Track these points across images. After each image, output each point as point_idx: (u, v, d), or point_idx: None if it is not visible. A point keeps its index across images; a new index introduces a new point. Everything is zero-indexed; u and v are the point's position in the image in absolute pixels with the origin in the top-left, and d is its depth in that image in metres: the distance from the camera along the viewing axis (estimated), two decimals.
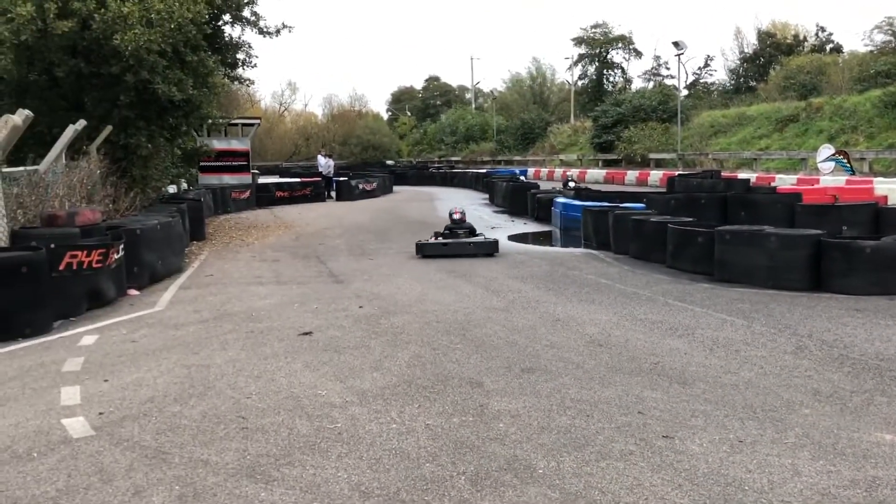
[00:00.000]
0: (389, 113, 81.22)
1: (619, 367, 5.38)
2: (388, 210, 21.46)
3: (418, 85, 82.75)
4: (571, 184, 21.62)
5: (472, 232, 12.11)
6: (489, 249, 11.47)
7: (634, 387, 4.88)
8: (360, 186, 26.93)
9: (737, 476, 3.51)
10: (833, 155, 23.40)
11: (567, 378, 5.09)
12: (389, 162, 54.85)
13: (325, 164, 28.33)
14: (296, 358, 5.73)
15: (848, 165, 22.98)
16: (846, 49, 44.54)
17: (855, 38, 62.47)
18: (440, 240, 11.76)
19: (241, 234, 15.77)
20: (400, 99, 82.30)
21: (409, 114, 76.61)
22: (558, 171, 38.69)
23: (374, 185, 27.89)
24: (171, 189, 18.81)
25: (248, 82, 19.12)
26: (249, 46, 16.16)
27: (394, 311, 7.46)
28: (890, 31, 37.66)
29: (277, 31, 15.73)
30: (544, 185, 24.07)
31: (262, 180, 28.07)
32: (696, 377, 5.09)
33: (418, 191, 30.37)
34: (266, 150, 55.42)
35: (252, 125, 27.92)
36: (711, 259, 9.16)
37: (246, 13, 15.31)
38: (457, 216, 12.33)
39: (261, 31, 15.57)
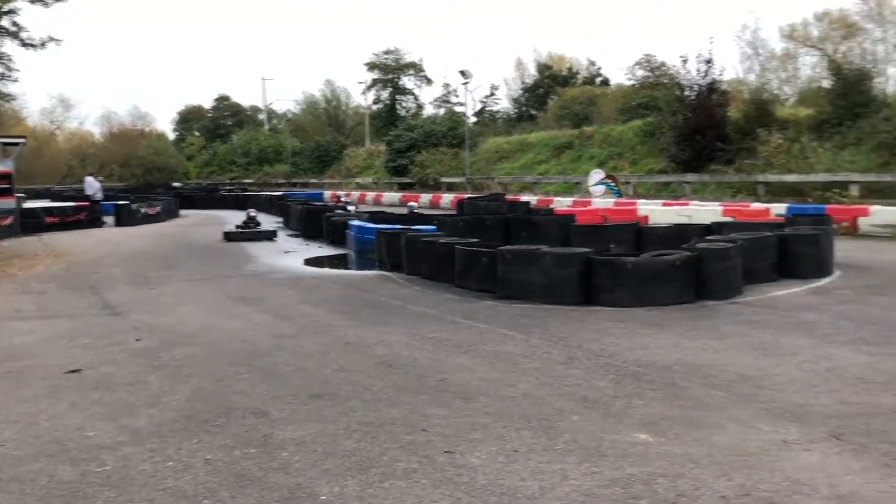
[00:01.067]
0: (176, 133, 77.47)
1: (407, 386, 5.49)
2: (174, 236, 20.40)
3: (207, 104, 79.70)
4: (352, 208, 21.90)
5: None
6: (269, 236, 18.09)
7: (420, 405, 5.01)
8: (143, 210, 25.37)
9: (512, 485, 3.71)
10: (603, 179, 25.56)
11: (355, 401, 5.11)
12: (176, 184, 52.25)
13: (92, 185, 26.44)
14: (61, 398, 5.27)
15: (616, 188, 25.21)
16: (613, 82, 48.94)
17: (620, 73, 68.97)
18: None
19: (2, 264, 14.27)
20: (188, 118, 78.72)
21: (197, 134, 73.52)
22: (355, 194, 38.94)
23: (158, 208, 26.40)
24: None
25: (8, 97, 17.36)
26: (9, 59, 14.79)
27: (175, 343, 7.09)
28: (648, 68, 41.92)
29: (43, 44, 14.59)
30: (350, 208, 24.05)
31: (29, 204, 25.58)
32: (479, 391, 5.32)
33: (208, 215, 29.17)
34: (34, 172, 50.71)
35: (16, 144, 25.34)
36: (495, 277, 9.63)
37: (5, 23, 14.00)
38: (252, 213, 18.45)
39: (23, 44, 14.32)
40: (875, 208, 16.60)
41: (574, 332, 7.33)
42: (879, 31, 30.79)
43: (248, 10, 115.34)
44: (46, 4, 14.28)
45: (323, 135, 58.29)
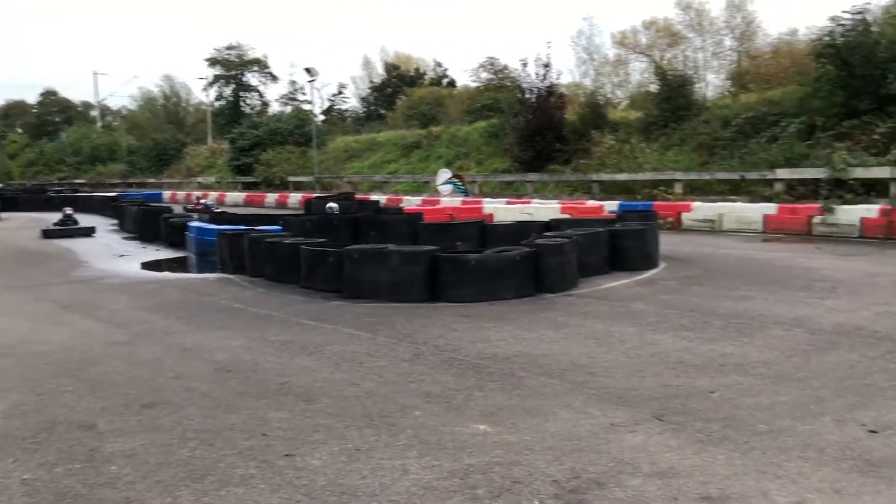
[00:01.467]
0: None
1: (247, 391, 5.36)
2: None
3: (32, 99, 73.97)
4: (211, 204, 21.16)
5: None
6: (87, 232, 18.41)
7: (260, 409, 4.90)
8: None
9: (352, 484, 3.71)
10: (450, 178, 26.03)
11: (192, 409, 4.93)
12: None
13: None
14: None
15: (463, 187, 25.76)
16: (459, 83, 49.98)
17: (465, 75, 70.88)
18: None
19: None
20: (8, 114, 72.69)
21: (20, 131, 67.98)
22: (197, 194, 37.45)
23: None
24: None
25: None
26: None
27: None
28: (492, 70, 43.13)
29: None
30: (181, 209, 23.06)
31: None
32: (322, 392, 5.28)
33: (33, 217, 26.94)
34: None
35: None
36: (342, 277, 9.57)
37: None
38: (69, 211, 19.52)
39: None
40: (696, 204, 17.98)
41: (420, 328, 7.43)
42: (699, 40, 33.37)
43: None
44: None
45: (161, 132, 55.64)
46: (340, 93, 56.59)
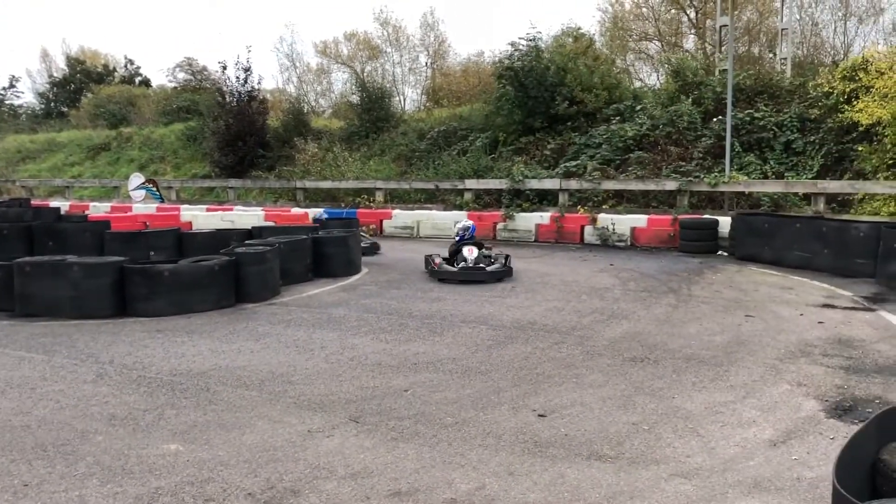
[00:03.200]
0: None
1: None
2: None
3: None
4: None
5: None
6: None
7: None
8: None
9: None
10: (144, 183, 24.36)
11: None
12: None
13: None
14: None
15: (157, 193, 24.23)
16: (154, 83, 46.98)
17: (160, 74, 66.53)
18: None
19: None
20: None
21: None
22: None
23: None
24: None
25: None
26: None
27: None
28: (190, 71, 41.22)
29: None
30: None
31: None
32: None
33: None
34: None
35: None
36: (12, 294, 8.51)
37: None
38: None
39: None
40: (396, 212, 18.83)
41: (105, 346, 6.85)
42: (397, 55, 34.96)
43: None
44: None
45: None
46: (13, 86, 50.16)
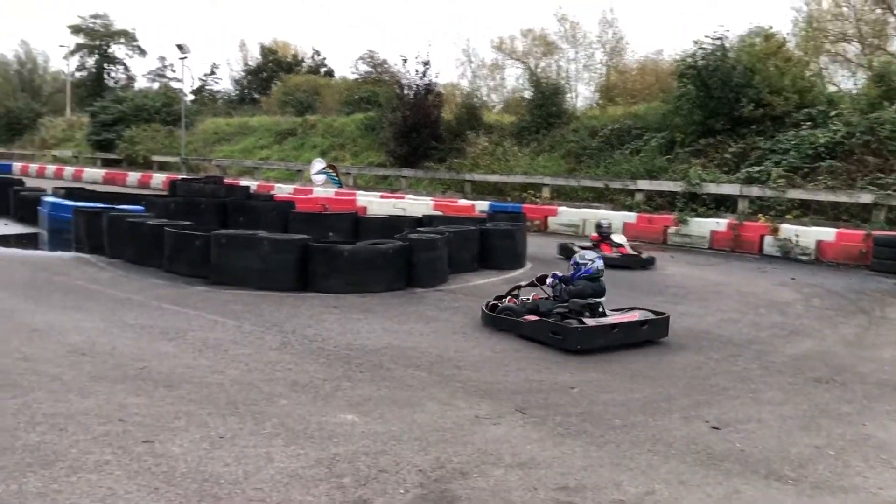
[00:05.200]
0: None
1: (103, 375, 5.10)
2: None
3: None
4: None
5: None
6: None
7: (118, 394, 4.68)
8: None
9: (214, 471, 3.62)
10: (324, 168, 25.69)
11: (40, 392, 4.64)
12: None
13: None
14: None
15: (337, 178, 25.48)
16: (337, 74, 49.39)
17: (344, 66, 69.91)
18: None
19: None
20: None
21: None
22: (51, 168, 35.07)
23: None
24: None
25: None
26: None
27: None
28: (371, 63, 42.96)
29: None
30: (34, 183, 21.47)
31: None
32: (183, 379, 5.10)
33: None
34: None
35: None
36: (208, 262, 9.26)
37: None
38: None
39: None
40: (562, 209, 18.68)
41: (288, 317, 7.31)
42: (573, 51, 34.59)
43: None
44: None
45: (14, 100, 51.49)
46: (213, 73, 54.52)
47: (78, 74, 54.73)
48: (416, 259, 9.37)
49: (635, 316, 6.97)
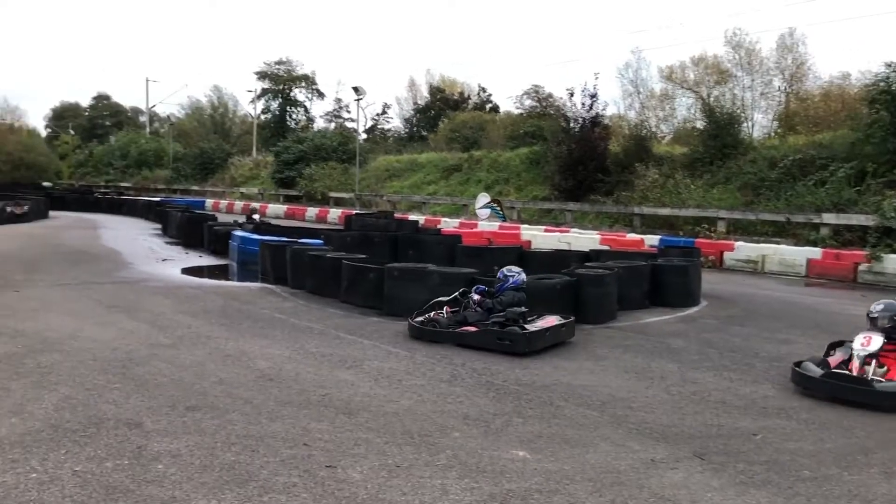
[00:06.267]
0: (49, 130, 73.31)
1: (289, 400, 5.42)
2: (42, 237, 19.24)
3: (85, 102, 76.02)
4: (256, 217, 20.85)
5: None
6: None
7: (302, 419, 4.95)
8: (9, 209, 23.83)
9: (393, 499, 3.73)
10: (489, 203, 26.10)
11: (234, 414, 5.00)
12: (47, 184, 49.30)
13: None
14: None
15: (501, 212, 25.80)
16: (502, 109, 50.19)
17: (509, 101, 70.94)
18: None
19: None
20: (62, 115, 74.76)
21: (72, 133, 69.88)
22: (238, 204, 38.00)
23: (26, 208, 24.88)
24: None
25: None
26: None
27: (42, 350, 6.69)
28: (536, 98, 43.28)
29: None
30: (224, 218, 23.40)
31: None
32: (361, 407, 5.31)
33: (80, 217, 27.70)
34: None
35: None
36: (381, 294, 9.63)
37: None
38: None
39: None
40: (739, 244, 17.76)
41: (458, 350, 7.42)
42: (748, 79, 33.11)
43: (134, 6, 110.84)
44: None
45: (207, 141, 56.53)
46: (384, 112, 57.20)
47: (263, 117, 59.22)
48: (584, 295, 9.25)
49: (553, 321, 7.82)
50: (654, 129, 34.39)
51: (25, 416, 4.76)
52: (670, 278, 11.01)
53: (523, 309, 7.77)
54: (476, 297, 8.01)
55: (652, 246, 16.37)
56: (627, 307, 10.11)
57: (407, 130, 54.02)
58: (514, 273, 8.14)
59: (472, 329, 7.57)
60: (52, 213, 27.64)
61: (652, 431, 5.07)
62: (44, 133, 71.19)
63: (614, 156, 26.92)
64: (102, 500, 3.53)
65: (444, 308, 8.11)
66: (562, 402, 5.68)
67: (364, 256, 11.17)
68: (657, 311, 10.36)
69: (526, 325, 7.50)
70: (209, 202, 38.69)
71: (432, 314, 8.05)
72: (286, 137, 48.02)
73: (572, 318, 8.05)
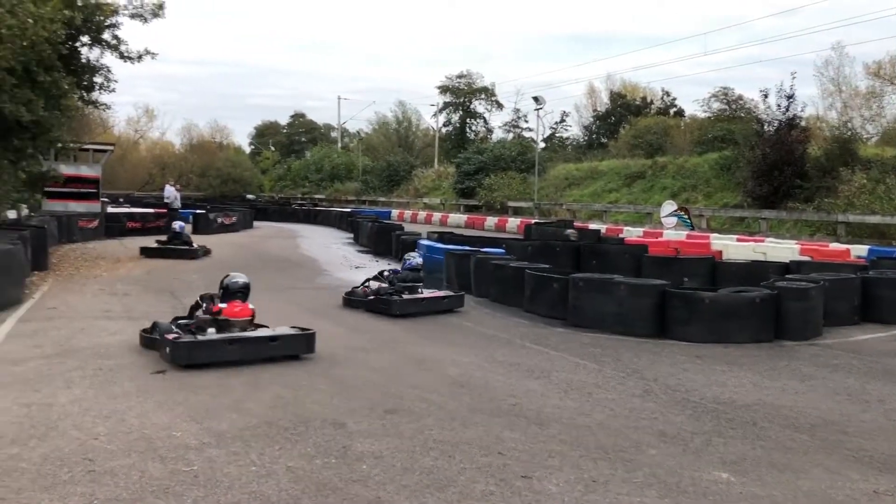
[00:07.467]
0: (252, 147, 79.79)
1: (480, 407, 5.50)
2: (249, 246, 20.92)
3: (283, 120, 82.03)
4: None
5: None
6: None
7: (495, 427, 5.01)
8: (219, 220, 26.11)
9: None
10: (675, 211, 25.16)
11: (430, 419, 5.15)
12: (250, 196, 53.61)
13: (171, 194, 27.02)
14: (148, 397, 5.46)
15: (688, 221, 24.78)
16: (687, 113, 48.30)
17: (695, 105, 68.03)
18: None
19: (88, 265, 14.87)
20: (264, 133, 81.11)
21: (272, 149, 75.56)
22: (422, 214, 39.26)
23: (234, 219, 27.14)
24: (11, 215, 17.46)
25: (104, 107, 18.12)
26: (108, 70, 15.46)
27: None
28: (725, 101, 41.26)
29: (139, 57, 15.11)
30: (409, 227, 24.27)
31: (114, 210, 26.68)
32: (552, 418, 5.29)
33: (280, 227, 29.85)
34: (118, 177, 52.60)
35: (105, 151, 26.40)
36: (566, 304, 9.54)
37: (106, 36, 14.64)
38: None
39: (122, 56, 14.92)
40: None
41: (648, 364, 7.22)
42: None
43: (325, 33, 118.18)
44: (145, 20, 14.91)
45: (393, 154, 59.00)
46: (563, 121, 56.87)
47: (444, 129, 60.88)
48: (785, 309, 8.67)
49: (440, 294, 10.53)
50: (858, 131, 31.65)
51: (243, 412, 5.17)
52: (885, 292, 10.04)
53: (411, 284, 10.12)
54: (386, 274, 10.51)
55: (860, 257, 15.04)
56: (834, 323, 9.37)
57: (586, 138, 53.35)
58: (412, 257, 10.59)
59: (372, 298, 9.99)
60: (255, 223, 29.97)
61: (872, 460, 4.65)
62: (248, 150, 77.48)
63: (814, 160, 25.05)
64: (314, 495, 3.76)
65: (368, 283, 10.50)
66: (766, 424, 5.34)
67: (547, 266, 11.13)
68: (869, 327, 9.53)
69: (405, 296, 9.80)
70: (395, 212, 40.27)
71: (359, 288, 10.52)
72: (466, 149, 49.04)
73: (462, 294, 10.80)
